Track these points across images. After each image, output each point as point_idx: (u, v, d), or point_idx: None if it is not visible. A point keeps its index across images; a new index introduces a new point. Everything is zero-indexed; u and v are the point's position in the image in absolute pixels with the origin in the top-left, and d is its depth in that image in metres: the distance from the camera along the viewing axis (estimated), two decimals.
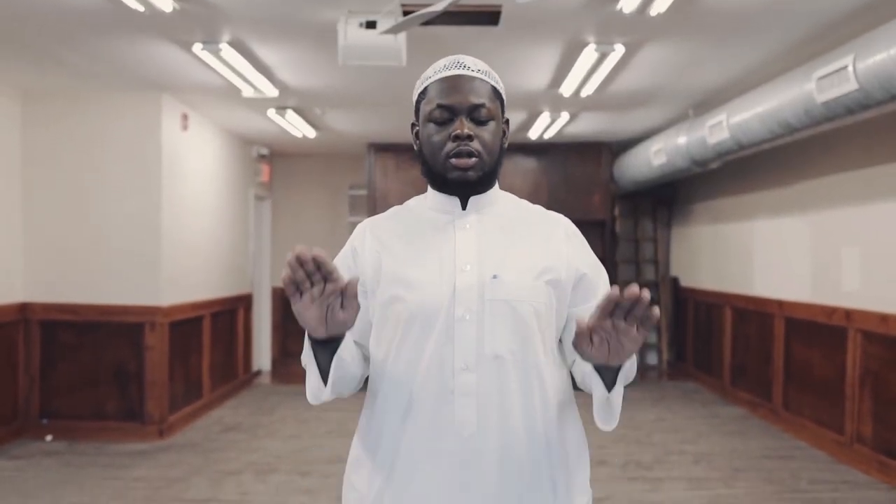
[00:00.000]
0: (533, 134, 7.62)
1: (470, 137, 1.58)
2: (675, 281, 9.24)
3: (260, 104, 6.30)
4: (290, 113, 6.56)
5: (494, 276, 1.57)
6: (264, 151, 8.71)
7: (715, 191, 8.06)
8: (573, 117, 6.89)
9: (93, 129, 5.98)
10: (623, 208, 9.52)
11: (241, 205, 8.19)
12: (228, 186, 7.75)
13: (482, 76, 1.63)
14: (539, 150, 8.24)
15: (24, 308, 5.94)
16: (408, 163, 8.20)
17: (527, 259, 1.61)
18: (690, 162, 6.46)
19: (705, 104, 6.30)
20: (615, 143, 8.33)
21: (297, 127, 7.16)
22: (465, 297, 1.56)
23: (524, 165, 8.31)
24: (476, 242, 1.61)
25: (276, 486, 4.89)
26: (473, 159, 1.59)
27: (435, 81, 1.63)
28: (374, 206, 8.16)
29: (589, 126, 7.36)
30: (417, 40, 4.42)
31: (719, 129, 5.64)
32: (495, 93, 1.65)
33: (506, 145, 1.68)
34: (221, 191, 7.54)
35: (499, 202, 1.70)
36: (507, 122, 1.69)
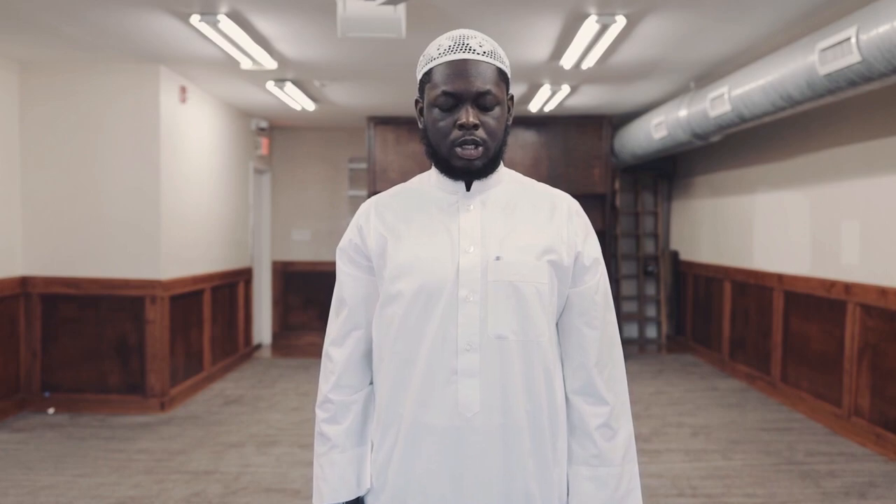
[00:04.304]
0: (533, 107, 7.59)
1: (475, 126, 1.57)
2: (674, 254, 9.24)
3: (259, 76, 6.26)
4: (288, 85, 6.53)
5: (497, 258, 1.58)
6: (263, 124, 8.68)
7: (715, 164, 8.04)
8: (574, 90, 6.86)
9: (91, 101, 5.95)
10: (623, 182, 9.51)
11: (240, 178, 8.17)
12: (228, 160, 7.73)
13: (488, 59, 1.59)
14: (539, 122, 8.20)
15: (24, 282, 5.94)
16: (407, 136, 8.17)
17: (529, 239, 1.62)
18: (691, 135, 6.43)
19: (707, 76, 6.27)
20: (616, 115, 8.30)
21: (296, 100, 7.13)
22: (468, 279, 1.57)
23: (524, 138, 8.27)
24: (479, 224, 1.62)
25: (278, 458, 4.92)
26: (479, 148, 1.58)
27: (440, 65, 1.59)
28: (374, 179, 8.14)
29: (589, 99, 7.33)
30: (417, 12, 4.38)
31: (721, 101, 5.61)
32: (501, 75, 1.62)
33: (510, 122, 1.68)
34: (221, 164, 7.52)
35: (503, 182, 1.70)
36: (511, 98, 1.68)
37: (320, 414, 1.70)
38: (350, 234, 1.71)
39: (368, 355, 1.70)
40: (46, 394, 5.99)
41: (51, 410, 5.93)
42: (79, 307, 6.00)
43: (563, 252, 1.63)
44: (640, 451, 4.97)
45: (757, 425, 5.67)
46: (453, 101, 1.57)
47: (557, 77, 6.35)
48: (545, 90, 6.79)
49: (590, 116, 8.18)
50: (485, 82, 1.58)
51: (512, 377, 1.58)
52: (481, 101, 1.58)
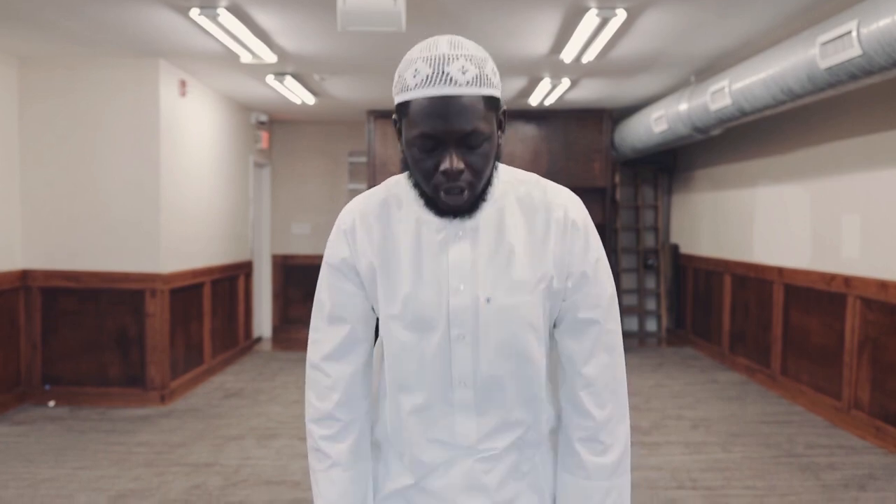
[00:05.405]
0: (533, 100, 7.58)
1: (461, 172, 1.42)
2: (675, 248, 9.24)
3: (258, 70, 6.25)
4: (288, 79, 6.52)
5: (488, 300, 1.51)
6: (263, 118, 8.67)
7: (716, 158, 8.03)
8: (574, 84, 6.85)
9: (90, 95, 5.95)
10: (624, 175, 9.51)
11: (240, 172, 8.17)
12: (227, 153, 7.72)
13: (473, 89, 1.39)
14: (539, 116, 8.19)
15: (24, 275, 5.95)
16: None
17: (522, 272, 1.52)
18: (692, 129, 6.43)
19: (707, 70, 6.26)
20: (616, 109, 8.29)
21: (296, 93, 7.12)
22: (459, 319, 1.51)
23: (524, 132, 8.27)
24: (470, 258, 1.52)
25: (278, 450, 4.93)
26: (466, 193, 1.45)
27: (418, 100, 1.40)
28: (374, 173, 8.14)
29: (590, 92, 7.32)
30: (417, 6, 4.37)
31: (721, 95, 5.61)
32: (489, 102, 1.43)
33: (502, 141, 1.52)
34: (220, 158, 7.51)
35: (495, 200, 1.54)
36: (503, 113, 1.50)
37: (319, 430, 1.61)
38: (340, 252, 1.58)
39: (369, 366, 1.66)
40: (47, 387, 5.99)
41: (51, 403, 5.94)
42: (79, 300, 6.00)
43: (557, 275, 1.54)
44: (640, 444, 4.99)
45: (757, 418, 5.68)
46: (434, 143, 1.41)
47: (557, 71, 6.34)
48: (545, 84, 6.78)
49: (590, 110, 8.18)
50: (470, 120, 1.40)
51: (509, 407, 1.56)
52: (467, 141, 1.41)
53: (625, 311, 9.44)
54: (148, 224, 5.97)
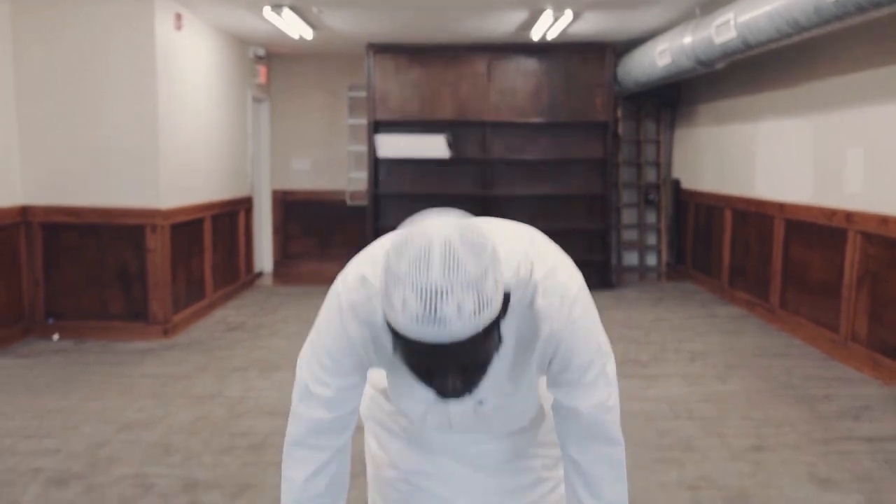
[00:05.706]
0: (535, 34, 7.46)
1: (458, 394, 1.33)
2: (676, 183, 9.21)
3: (255, 3, 6.15)
4: (286, 11, 6.40)
5: (480, 402, 1.56)
6: (261, 52, 8.55)
7: (719, 92, 7.95)
8: (576, 17, 6.73)
9: (85, 30, 5.85)
10: (626, 110, 9.41)
11: (238, 107, 8.09)
12: (225, 88, 7.64)
13: (470, 325, 1.21)
14: (541, 50, 8.08)
15: (24, 211, 5.94)
16: (407, 65, 8.06)
17: (511, 380, 1.54)
18: (696, 62, 6.34)
19: (712, 3, 6.15)
20: (619, 43, 8.17)
21: (294, 26, 7.00)
22: (458, 420, 1.63)
23: (526, 67, 8.17)
24: None
25: (280, 382, 4.99)
26: (464, 394, 1.36)
27: (408, 339, 1.24)
28: (374, 108, 8.07)
29: (592, 26, 7.20)
30: None
31: (726, 28, 5.52)
32: (490, 326, 1.25)
33: (505, 318, 1.33)
34: (218, 92, 7.43)
35: None
36: (507, 296, 1.30)
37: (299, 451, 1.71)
38: (350, 357, 1.55)
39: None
40: (50, 320, 6.04)
41: (55, 336, 6.00)
42: (80, 236, 6.01)
43: (539, 370, 1.56)
44: (639, 376, 5.05)
45: (755, 351, 5.74)
46: (427, 372, 1.32)
47: (560, 3, 6.22)
48: (547, 16, 6.66)
49: (592, 44, 8.07)
50: (467, 356, 1.27)
51: (508, 428, 1.73)
52: (464, 367, 1.30)
53: (625, 246, 9.46)
54: (147, 159, 5.93)
